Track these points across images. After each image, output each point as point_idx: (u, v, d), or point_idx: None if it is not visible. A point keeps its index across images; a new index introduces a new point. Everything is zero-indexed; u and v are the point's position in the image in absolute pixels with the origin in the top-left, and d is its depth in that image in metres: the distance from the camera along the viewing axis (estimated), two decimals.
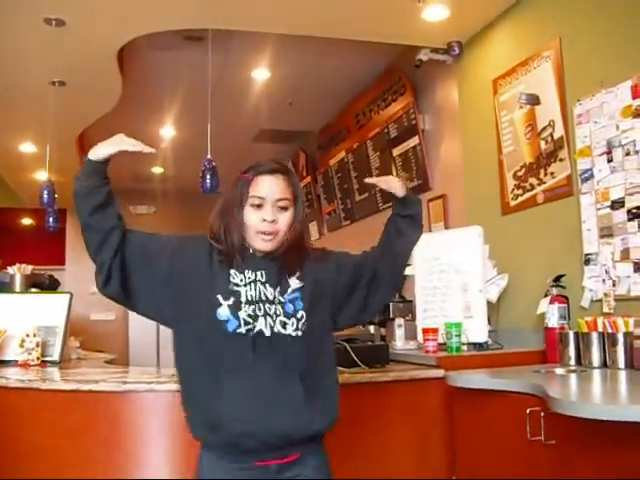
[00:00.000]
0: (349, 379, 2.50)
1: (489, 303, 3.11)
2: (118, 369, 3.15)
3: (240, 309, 1.55)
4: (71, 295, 3.49)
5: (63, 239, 8.88)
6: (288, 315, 1.58)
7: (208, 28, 3.99)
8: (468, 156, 3.95)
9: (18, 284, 3.74)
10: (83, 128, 5.56)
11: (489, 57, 3.74)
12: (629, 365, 2.42)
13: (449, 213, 4.21)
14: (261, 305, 1.57)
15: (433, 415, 2.65)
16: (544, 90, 3.22)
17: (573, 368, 2.57)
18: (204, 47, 4.26)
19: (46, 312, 3.38)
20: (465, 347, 2.93)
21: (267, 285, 1.60)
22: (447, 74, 4.19)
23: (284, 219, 1.62)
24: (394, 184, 1.75)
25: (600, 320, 2.54)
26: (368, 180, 1.82)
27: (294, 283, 1.63)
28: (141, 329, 8.11)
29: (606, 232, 2.79)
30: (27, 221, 10.49)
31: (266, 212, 1.59)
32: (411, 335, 3.23)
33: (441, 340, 2.92)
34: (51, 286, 4.08)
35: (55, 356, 3.27)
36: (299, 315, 1.59)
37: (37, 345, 3.15)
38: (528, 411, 2.06)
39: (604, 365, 2.51)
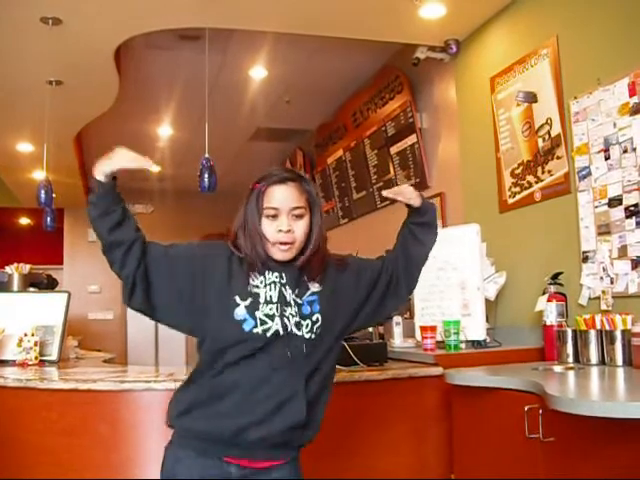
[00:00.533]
0: (347, 377, 2.49)
1: (487, 301, 3.11)
2: (116, 368, 3.14)
3: (257, 309, 1.55)
4: (69, 294, 3.50)
5: (61, 238, 8.88)
6: (304, 316, 1.58)
7: (205, 27, 3.99)
8: (466, 154, 3.96)
9: (16, 283, 3.73)
10: (80, 127, 5.55)
11: (486, 55, 3.74)
12: (627, 362, 2.43)
13: (447, 211, 4.21)
14: (279, 306, 1.57)
15: (431, 413, 2.65)
16: (541, 88, 3.23)
17: (571, 365, 2.58)
18: (201, 46, 4.26)
19: (44, 311, 3.38)
20: (463, 345, 2.93)
21: (287, 287, 1.60)
22: (444, 72, 4.19)
23: (300, 227, 1.60)
24: (410, 195, 1.74)
25: (598, 317, 2.55)
26: (385, 193, 1.79)
27: (313, 286, 1.63)
28: (139, 328, 8.11)
29: (604, 229, 2.80)
30: (25, 221, 10.49)
31: (281, 222, 1.58)
32: (409, 333, 3.24)
33: (439, 338, 2.92)
34: (49, 285, 4.07)
35: (53, 355, 3.27)
36: (314, 318, 1.59)
37: (35, 344, 3.15)
38: (526, 408, 2.06)
39: (602, 362, 2.52)
